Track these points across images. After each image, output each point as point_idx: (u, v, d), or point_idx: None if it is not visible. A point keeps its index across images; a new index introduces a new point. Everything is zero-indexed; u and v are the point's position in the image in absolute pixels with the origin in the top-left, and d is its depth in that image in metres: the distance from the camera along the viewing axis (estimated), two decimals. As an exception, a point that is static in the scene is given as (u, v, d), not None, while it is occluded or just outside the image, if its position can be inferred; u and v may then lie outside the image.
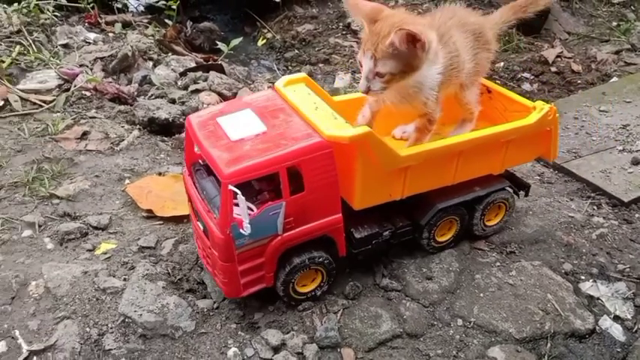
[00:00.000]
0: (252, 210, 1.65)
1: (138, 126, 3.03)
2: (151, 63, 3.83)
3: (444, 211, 2.02)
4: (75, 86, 3.25)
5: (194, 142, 1.78)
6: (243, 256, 1.69)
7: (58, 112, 3.05)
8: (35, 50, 3.64)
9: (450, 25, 1.93)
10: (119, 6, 4.70)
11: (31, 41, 3.71)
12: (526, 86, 4.26)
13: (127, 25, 4.48)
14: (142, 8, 5.30)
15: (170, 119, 3.04)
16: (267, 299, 1.89)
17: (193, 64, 3.74)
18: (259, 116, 1.77)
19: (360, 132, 1.68)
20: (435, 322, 1.90)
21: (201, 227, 1.79)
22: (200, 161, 1.90)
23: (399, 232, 1.99)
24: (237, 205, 1.57)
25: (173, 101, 3.26)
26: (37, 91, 3.27)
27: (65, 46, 3.94)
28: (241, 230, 1.59)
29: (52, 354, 1.66)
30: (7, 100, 3.07)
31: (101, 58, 3.74)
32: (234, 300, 1.88)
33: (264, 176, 1.62)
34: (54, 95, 3.21)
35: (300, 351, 1.75)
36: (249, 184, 1.64)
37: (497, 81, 4.15)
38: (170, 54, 4.01)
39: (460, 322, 1.91)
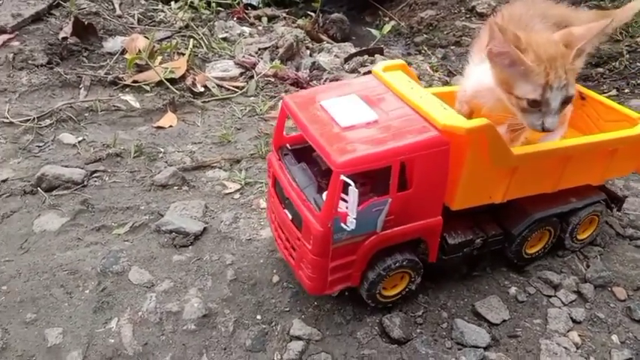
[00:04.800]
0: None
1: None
2: (308, 51, 4.11)
3: (540, 222, 1.87)
4: (258, 74, 3.55)
5: (297, 124, 1.63)
6: (336, 252, 1.56)
7: (252, 96, 3.34)
8: (207, 43, 3.98)
9: (531, 15, 1.89)
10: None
11: (201, 35, 4.06)
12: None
13: (270, 18, 4.78)
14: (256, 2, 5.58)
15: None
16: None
17: (353, 51, 3.98)
18: (367, 102, 1.65)
19: (479, 124, 1.52)
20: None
21: (290, 216, 1.67)
22: (288, 145, 1.79)
23: (490, 240, 1.84)
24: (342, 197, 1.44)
25: (348, 83, 3.50)
26: (222, 79, 3.60)
27: (224, 39, 4.27)
28: (343, 225, 1.47)
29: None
30: (205, 87, 3.40)
31: (264, 49, 4.05)
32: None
33: (375, 169, 1.48)
34: (241, 82, 3.52)
35: (576, 289, 1.93)
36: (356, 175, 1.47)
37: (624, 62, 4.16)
38: (324, 42, 4.27)
39: None
